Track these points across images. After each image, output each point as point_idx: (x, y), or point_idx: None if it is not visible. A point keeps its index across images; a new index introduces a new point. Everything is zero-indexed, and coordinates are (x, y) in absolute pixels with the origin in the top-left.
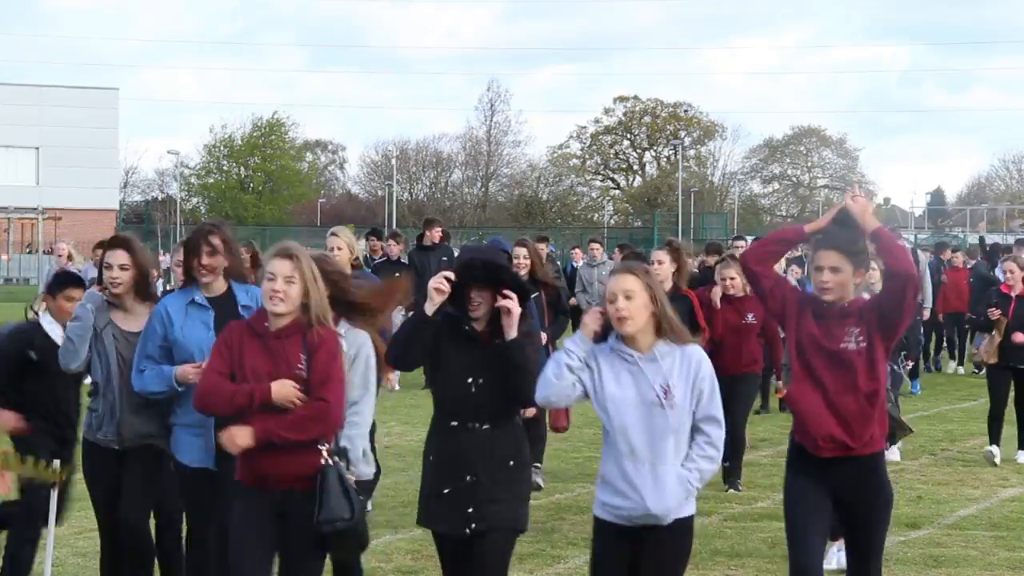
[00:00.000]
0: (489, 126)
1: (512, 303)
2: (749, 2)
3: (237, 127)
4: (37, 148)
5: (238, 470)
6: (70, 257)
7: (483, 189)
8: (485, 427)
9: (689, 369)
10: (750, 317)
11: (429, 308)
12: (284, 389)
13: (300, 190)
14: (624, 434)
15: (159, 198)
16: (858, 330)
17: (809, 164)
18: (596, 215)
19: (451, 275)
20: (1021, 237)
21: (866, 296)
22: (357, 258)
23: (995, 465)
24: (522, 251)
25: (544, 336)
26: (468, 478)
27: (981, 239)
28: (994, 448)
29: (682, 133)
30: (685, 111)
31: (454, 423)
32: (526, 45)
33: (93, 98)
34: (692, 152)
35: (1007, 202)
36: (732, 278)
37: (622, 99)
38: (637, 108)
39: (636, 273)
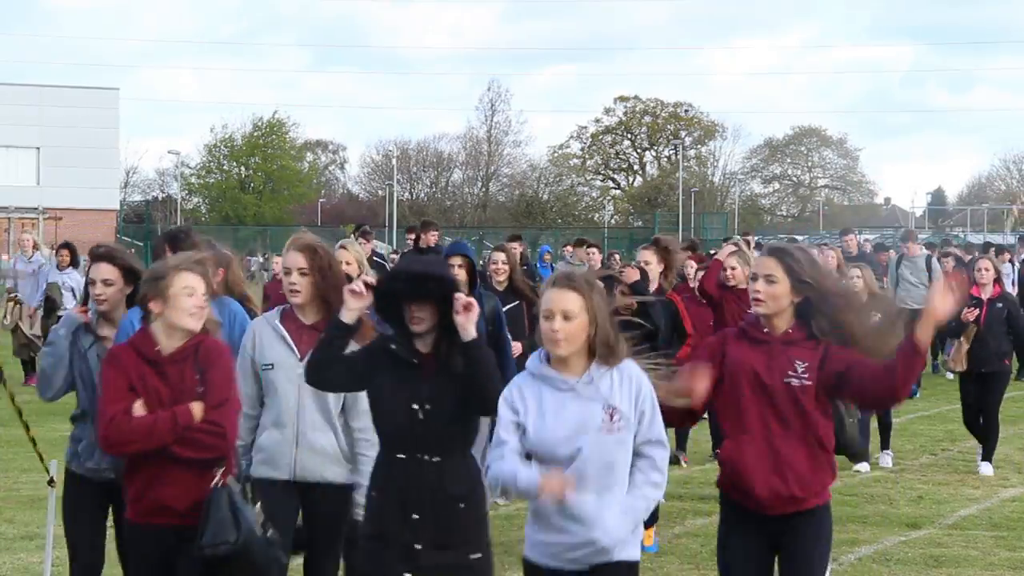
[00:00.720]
0: (490, 126)
1: (467, 300)
2: (751, 2)
3: (238, 127)
4: (37, 148)
5: (128, 508)
6: (35, 246)
7: (483, 189)
8: (435, 459)
9: (630, 388)
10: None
11: (346, 315)
12: (199, 411)
13: (300, 190)
14: (565, 465)
15: (159, 198)
16: (806, 364)
17: (810, 164)
18: (596, 215)
19: (371, 279)
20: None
21: None
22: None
23: (977, 468)
24: (500, 256)
25: (519, 346)
26: (414, 516)
27: (986, 244)
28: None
29: (682, 133)
30: (685, 111)
31: (400, 455)
32: (528, 45)
33: (93, 98)
34: (692, 152)
35: (1007, 202)
36: (733, 268)
37: (623, 99)
38: (638, 108)
39: (579, 290)
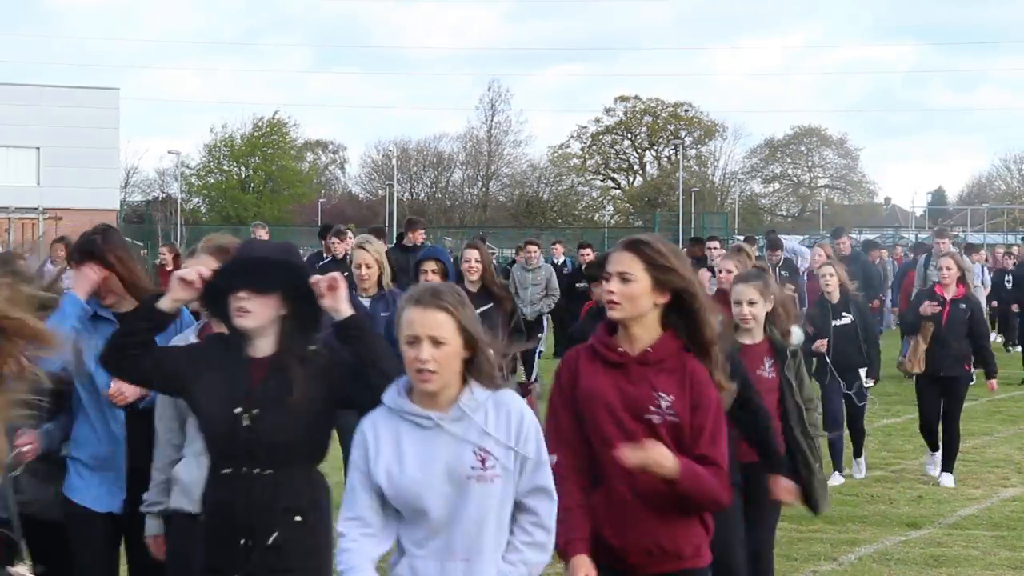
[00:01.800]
0: (490, 126)
1: (331, 278)
2: (755, 2)
3: (238, 127)
4: (37, 148)
5: None
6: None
7: (484, 189)
8: (268, 472)
9: (509, 425)
10: None
11: (165, 303)
12: None
13: (300, 190)
14: (427, 523)
15: (160, 198)
16: (671, 399)
17: (810, 164)
18: (596, 215)
19: (206, 270)
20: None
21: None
22: (385, 276)
23: (937, 480)
24: (473, 254)
25: None
26: (243, 542)
27: (968, 245)
28: (933, 457)
29: (683, 133)
30: (685, 111)
31: (226, 470)
32: (531, 45)
33: (94, 98)
34: (693, 152)
35: (1007, 202)
36: (728, 271)
37: (623, 99)
38: (638, 108)
39: (449, 308)
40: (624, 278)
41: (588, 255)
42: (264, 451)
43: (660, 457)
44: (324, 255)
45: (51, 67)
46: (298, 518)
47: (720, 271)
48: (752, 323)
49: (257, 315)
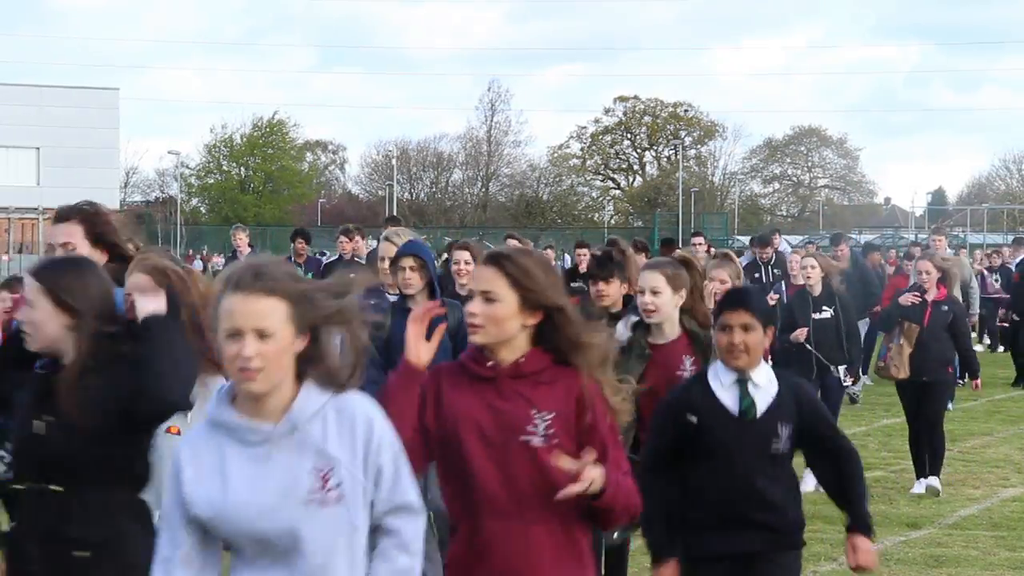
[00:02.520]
0: (489, 126)
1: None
2: (756, 2)
3: (238, 127)
4: (37, 148)
5: None
6: None
7: (483, 189)
8: (58, 490)
9: (354, 435)
10: None
11: None
12: None
13: (300, 190)
14: (263, 556)
15: (159, 199)
16: (551, 416)
17: (809, 164)
18: (596, 215)
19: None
20: (1020, 236)
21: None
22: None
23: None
24: (464, 255)
25: None
26: (29, 570)
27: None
28: (923, 482)
29: (682, 133)
30: (685, 111)
31: (22, 486)
32: (533, 45)
33: (93, 98)
34: (692, 152)
35: (1007, 202)
36: (723, 281)
37: (622, 99)
38: (637, 108)
39: (277, 291)
40: (487, 298)
41: (585, 255)
42: (57, 465)
43: (598, 477)
44: (342, 255)
45: (51, 67)
46: (81, 546)
47: (715, 280)
48: (656, 315)
49: (40, 326)
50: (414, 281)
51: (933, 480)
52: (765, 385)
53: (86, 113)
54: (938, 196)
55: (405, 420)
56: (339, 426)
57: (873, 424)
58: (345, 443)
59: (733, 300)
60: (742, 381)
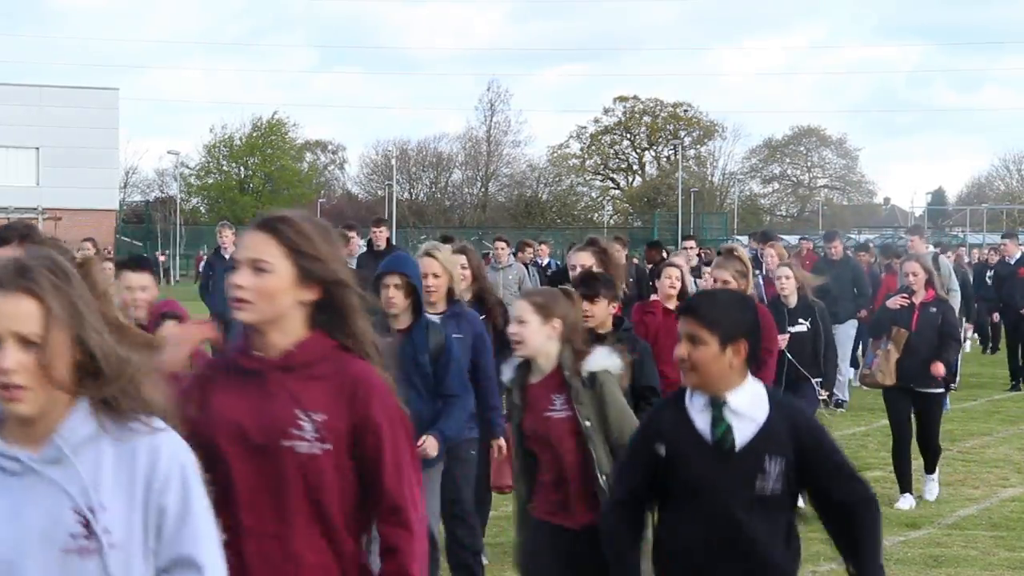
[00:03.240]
0: (489, 126)
1: None
2: (757, 2)
3: (237, 127)
4: (37, 148)
5: None
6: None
7: (483, 189)
8: None
9: (133, 470)
10: None
11: None
12: None
13: (300, 190)
14: None
15: (159, 198)
16: (324, 416)
17: (809, 164)
18: (596, 215)
19: None
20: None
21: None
22: (457, 287)
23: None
24: (460, 259)
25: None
26: None
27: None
28: (908, 497)
29: (682, 133)
30: (685, 111)
31: None
32: (534, 45)
33: (93, 98)
34: (692, 152)
35: (1007, 202)
36: (726, 282)
37: (622, 99)
38: (637, 108)
39: (36, 292)
40: (257, 267)
41: (503, 249)
42: None
43: None
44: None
45: (51, 67)
46: None
47: (717, 281)
48: (523, 348)
49: None
50: (398, 300)
51: (932, 484)
52: (747, 410)
53: (86, 113)
54: (938, 196)
55: None
56: (116, 459)
57: (873, 424)
58: (121, 480)
59: (685, 305)
60: (716, 404)
